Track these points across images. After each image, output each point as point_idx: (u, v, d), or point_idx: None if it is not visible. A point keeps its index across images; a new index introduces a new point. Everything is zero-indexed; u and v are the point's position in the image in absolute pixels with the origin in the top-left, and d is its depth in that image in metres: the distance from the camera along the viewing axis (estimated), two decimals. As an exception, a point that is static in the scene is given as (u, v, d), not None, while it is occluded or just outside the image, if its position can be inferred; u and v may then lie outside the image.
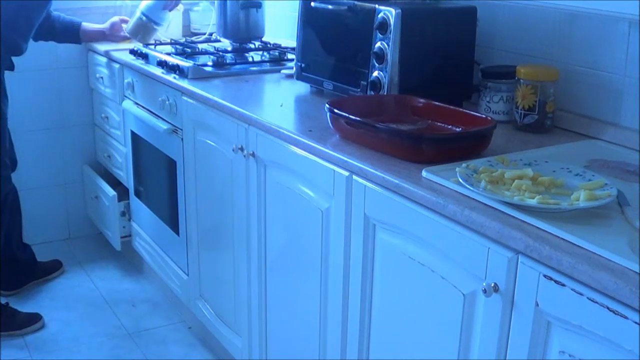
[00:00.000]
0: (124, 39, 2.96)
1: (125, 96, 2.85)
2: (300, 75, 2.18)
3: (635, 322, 0.96)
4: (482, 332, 1.24)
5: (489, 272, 1.19)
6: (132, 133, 2.84)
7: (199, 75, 2.37)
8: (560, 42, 1.79)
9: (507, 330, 1.18)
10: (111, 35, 2.97)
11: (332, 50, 2.04)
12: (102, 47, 3.02)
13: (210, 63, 2.48)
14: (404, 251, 1.41)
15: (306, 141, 1.66)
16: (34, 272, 2.98)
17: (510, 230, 1.14)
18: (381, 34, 1.82)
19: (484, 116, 1.65)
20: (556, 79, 1.73)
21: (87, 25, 2.92)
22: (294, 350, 1.89)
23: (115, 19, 2.97)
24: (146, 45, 2.79)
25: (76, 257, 3.24)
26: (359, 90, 1.92)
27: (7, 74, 2.66)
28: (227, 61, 2.54)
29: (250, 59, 2.63)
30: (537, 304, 1.11)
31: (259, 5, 2.75)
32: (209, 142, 2.19)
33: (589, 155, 1.53)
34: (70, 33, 2.87)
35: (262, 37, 2.85)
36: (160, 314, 2.79)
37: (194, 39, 3.05)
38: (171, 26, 3.18)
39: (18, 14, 2.51)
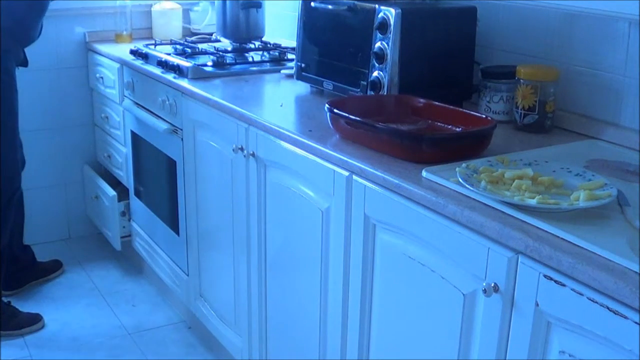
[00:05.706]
0: None
1: (125, 96, 2.84)
2: (300, 75, 2.18)
3: (635, 322, 0.96)
4: (482, 332, 1.24)
5: (489, 272, 1.19)
6: (132, 133, 2.84)
7: (199, 75, 2.37)
8: (560, 42, 1.79)
9: (507, 330, 1.18)
10: None
11: (332, 50, 2.04)
12: (102, 47, 3.02)
13: (210, 63, 2.48)
14: (404, 251, 1.41)
15: (306, 141, 1.66)
16: (34, 272, 2.98)
17: (510, 230, 1.14)
18: (381, 34, 1.82)
19: (484, 116, 1.65)
20: (556, 79, 1.73)
21: None
22: (294, 350, 1.89)
23: None
24: (146, 45, 2.79)
25: (76, 257, 3.24)
26: (359, 90, 1.91)
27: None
28: (227, 61, 2.54)
29: (250, 59, 2.63)
30: (537, 304, 1.11)
31: (259, 5, 2.76)
32: (209, 142, 2.19)
33: (589, 155, 1.53)
34: None
35: (262, 37, 2.85)
36: (160, 314, 2.79)
37: (194, 39, 3.05)
38: (171, 26, 3.19)
39: (30, 8, 2.56)
